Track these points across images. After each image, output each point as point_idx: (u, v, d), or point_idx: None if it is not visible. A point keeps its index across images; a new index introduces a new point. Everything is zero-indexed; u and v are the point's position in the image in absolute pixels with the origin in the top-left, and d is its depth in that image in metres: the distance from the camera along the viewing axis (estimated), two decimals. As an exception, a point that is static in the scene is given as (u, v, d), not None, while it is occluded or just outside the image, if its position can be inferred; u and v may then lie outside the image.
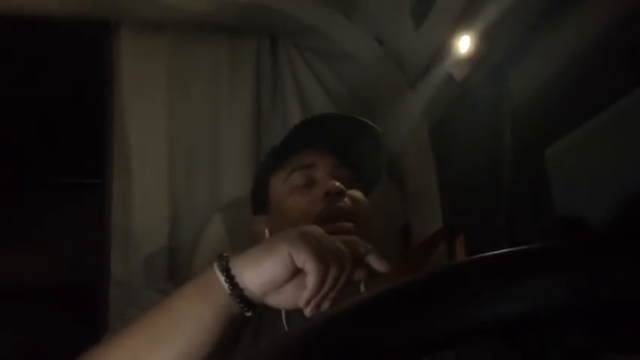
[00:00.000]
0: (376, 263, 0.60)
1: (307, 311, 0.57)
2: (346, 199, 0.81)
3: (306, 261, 0.54)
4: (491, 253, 0.30)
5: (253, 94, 1.26)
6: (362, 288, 0.77)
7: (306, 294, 0.55)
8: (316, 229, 0.59)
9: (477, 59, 0.97)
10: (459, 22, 0.96)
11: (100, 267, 1.14)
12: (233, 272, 0.56)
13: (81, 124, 1.73)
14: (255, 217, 0.91)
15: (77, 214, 2.02)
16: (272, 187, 0.88)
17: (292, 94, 1.28)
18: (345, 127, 0.86)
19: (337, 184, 0.81)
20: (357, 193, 0.84)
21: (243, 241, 0.95)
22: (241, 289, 0.56)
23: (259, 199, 0.90)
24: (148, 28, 1.22)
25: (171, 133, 1.20)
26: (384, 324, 0.28)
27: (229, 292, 0.56)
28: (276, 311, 0.73)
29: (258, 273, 0.56)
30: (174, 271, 1.13)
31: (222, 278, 0.56)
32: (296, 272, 0.56)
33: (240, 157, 1.20)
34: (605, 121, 0.75)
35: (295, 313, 0.73)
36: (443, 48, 1.02)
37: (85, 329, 0.62)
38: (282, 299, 0.58)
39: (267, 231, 0.84)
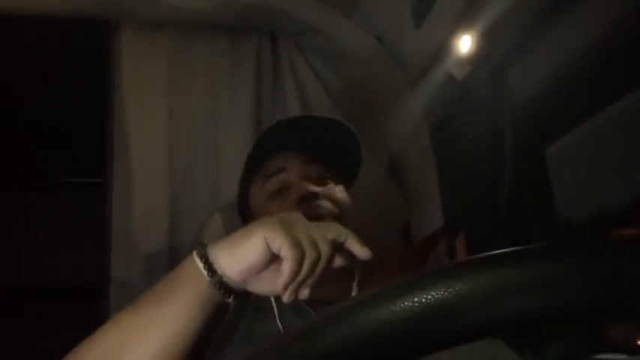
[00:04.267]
0: (356, 249, 0.59)
1: (285, 297, 0.57)
2: (321, 200, 0.78)
3: (281, 246, 0.54)
4: (490, 252, 0.30)
5: (253, 93, 1.26)
6: (354, 289, 0.77)
7: (282, 280, 0.55)
8: (296, 215, 0.59)
9: (478, 59, 0.97)
10: (460, 22, 0.96)
11: (100, 267, 1.14)
12: (211, 259, 0.57)
13: (81, 123, 1.74)
14: (243, 224, 0.89)
15: (77, 214, 2.02)
16: (251, 196, 0.87)
17: (293, 94, 1.28)
18: (311, 126, 0.84)
19: (310, 187, 0.78)
20: (333, 189, 0.82)
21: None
22: (220, 276, 0.56)
23: (242, 208, 0.90)
24: (149, 27, 1.22)
25: (171, 133, 1.20)
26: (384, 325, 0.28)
27: (208, 279, 0.56)
28: (269, 311, 0.73)
29: (235, 259, 0.56)
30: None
31: (200, 265, 0.57)
32: (273, 258, 0.56)
33: (240, 156, 1.19)
34: (605, 120, 0.75)
35: (288, 312, 0.73)
36: (443, 47, 1.02)
37: (85, 329, 0.61)
38: (262, 285, 0.58)
39: None
